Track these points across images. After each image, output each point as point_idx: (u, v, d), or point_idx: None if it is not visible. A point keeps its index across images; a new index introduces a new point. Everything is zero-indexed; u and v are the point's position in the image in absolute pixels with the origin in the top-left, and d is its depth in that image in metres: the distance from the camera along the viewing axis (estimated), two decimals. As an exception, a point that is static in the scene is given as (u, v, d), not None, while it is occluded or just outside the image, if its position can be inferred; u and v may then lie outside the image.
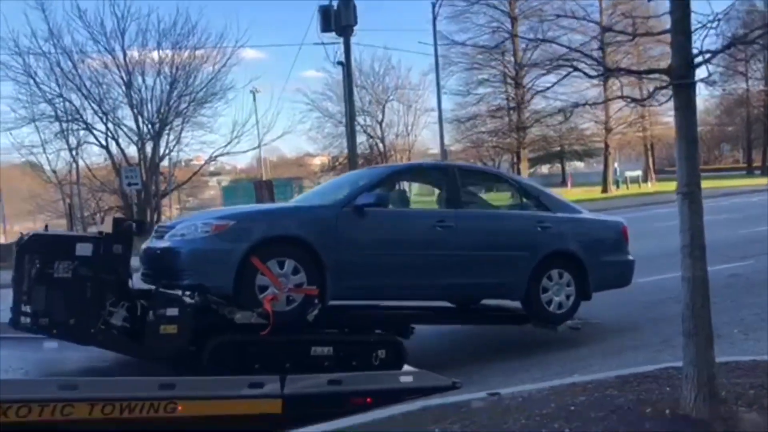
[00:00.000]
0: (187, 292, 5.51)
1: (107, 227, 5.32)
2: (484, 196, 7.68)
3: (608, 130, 39.32)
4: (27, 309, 4.70)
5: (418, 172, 7.95)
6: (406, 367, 5.72)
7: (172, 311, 4.98)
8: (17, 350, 5.12)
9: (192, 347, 5.11)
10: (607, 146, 42.11)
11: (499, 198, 8.11)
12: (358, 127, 32.90)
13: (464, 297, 7.00)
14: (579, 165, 64.53)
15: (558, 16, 27.94)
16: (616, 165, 47.02)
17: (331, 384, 5.15)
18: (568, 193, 42.67)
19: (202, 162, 31.31)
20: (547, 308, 6.61)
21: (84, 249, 4.78)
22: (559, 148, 49.59)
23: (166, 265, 5.41)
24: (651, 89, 4.21)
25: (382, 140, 44.89)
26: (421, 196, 8.59)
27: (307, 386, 5.04)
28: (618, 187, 43.58)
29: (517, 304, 6.81)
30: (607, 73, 4.40)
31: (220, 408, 4.68)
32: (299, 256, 5.43)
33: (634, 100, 5.94)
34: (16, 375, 4.68)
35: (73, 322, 4.76)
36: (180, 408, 4.53)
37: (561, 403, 4.21)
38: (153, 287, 5.24)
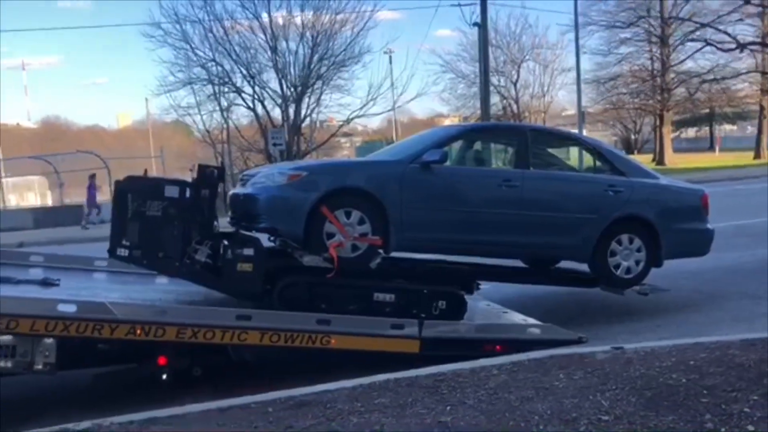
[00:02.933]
0: (270, 236, 6.10)
1: None
2: (557, 158, 7.50)
3: (764, 91, 36.49)
4: (123, 242, 5.37)
5: (490, 132, 7.99)
6: (535, 321, 6.12)
7: (249, 251, 5.50)
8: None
9: (267, 286, 5.62)
10: (762, 109, 39.13)
11: (573, 161, 7.99)
12: (491, 88, 32.75)
13: (528, 256, 7.13)
14: (731, 128, 60.26)
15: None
16: (772, 129, 43.47)
17: (465, 330, 5.67)
18: (715, 159, 40.39)
19: (334, 123, 32.47)
20: (614, 272, 6.64)
21: (172, 191, 5.40)
22: (707, 111, 46.60)
23: (246, 210, 5.92)
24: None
25: (516, 101, 44.35)
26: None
27: (442, 331, 5.59)
28: (773, 152, 40.48)
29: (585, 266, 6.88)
30: (740, 46, 4.41)
31: (366, 344, 5.31)
32: (365, 208, 5.78)
33: (765, 72, 5.78)
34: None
35: (161, 255, 5.40)
36: (333, 342, 5.22)
37: (682, 359, 4.48)
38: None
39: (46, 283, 5.56)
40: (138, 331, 4.79)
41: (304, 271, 5.76)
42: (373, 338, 5.34)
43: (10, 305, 4.59)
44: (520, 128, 7.61)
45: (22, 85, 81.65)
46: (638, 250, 6.72)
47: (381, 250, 5.89)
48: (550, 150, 7.36)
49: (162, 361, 5.03)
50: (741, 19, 28.62)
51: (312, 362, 5.52)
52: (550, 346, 5.45)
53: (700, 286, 7.87)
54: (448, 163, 6.29)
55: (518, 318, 6.33)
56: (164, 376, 5.07)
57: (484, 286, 7.13)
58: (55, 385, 5.25)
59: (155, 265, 5.65)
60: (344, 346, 5.27)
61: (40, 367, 4.68)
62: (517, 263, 7.34)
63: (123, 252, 5.42)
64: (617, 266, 6.68)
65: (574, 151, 8.09)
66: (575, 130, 26.33)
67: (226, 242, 5.65)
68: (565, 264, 7.35)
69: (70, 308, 4.66)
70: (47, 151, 34.34)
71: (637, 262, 6.73)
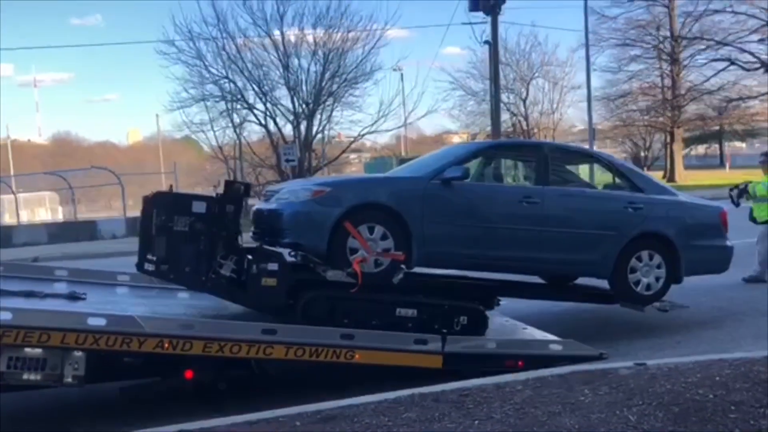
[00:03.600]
0: (291, 251, 6.17)
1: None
2: (576, 175, 7.61)
3: (776, 108, 36.45)
4: (151, 256, 5.44)
5: (509, 149, 8.08)
6: (555, 337, 6.13)
7: (273, 266, 5.58)
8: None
9: (290, 300, 5.66)
10: (773, 126, 39.16)
11: (592, 177, 8.03)
12: (501, 105, 32.83)
13: (549, 272, 7.15)
14: (740, 146, 60.17)
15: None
16: (783, 146, 43.46)
17: (487, 346, 5.70)
18: (726, 176, 40.23)
19: (343, 139, 32.59)
20: (635, 288, 6.68)
21: (199, 206, 5.47)
22: (717, 128, 46.55)
23: (271, 225, 6.01)
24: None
25: (526, 118, 44.42)
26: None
27: (465, 347, 5.62)
28: (784, 170, 40.37)
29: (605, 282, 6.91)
30: (765, 66, 4.47)
31: (390, 359, 5.34)
32: (388, 223, 5.85)
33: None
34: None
35: (188, 270, 5.46)
36: (357, 356, 5.26)
37: (706, 374, 4.50)
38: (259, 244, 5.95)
39: (73, 297, 5.63)
40: (166, 345, 4.85)
41: (327, 286, 5.81)
42: (396, 353, 5.37)
43: (41, 319, 4.67)
44: (539, 145, 7.71)
45: (34, 102, 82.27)
46: (658, 267, 6.75)
47: (403, 266, 5.93)
48: (568, 167, 7.42)
49: (188, 374, 5.09)
50: (762, 39, 28.97)
51: (333, 376, 5.56)
52: (572, 362, 5.46)
53: (719, 303, 7.89)
54: (468, 179, 6.35)
55: (538, 334, 6.35)
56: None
57: (503, 302, 7.15)
58: (83, 398, 5.30)
59: (182, 280, 5.71)
60: (368, 361, 5.31)
61: (69, 380, 4.74)
62: (537, 279, 7.36)
63: (150, 267, 5.49)
64: (637, 283, 6.70)
65: (591, 167, 8.15)
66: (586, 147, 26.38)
67: (250, 257, 5.72)
68: (584, 280, 7.37)
69: (100, 322, 4.73)
70: (58, 167, 34.70)
71: (657, 279, 6.76)
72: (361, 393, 4.72)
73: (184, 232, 5.43)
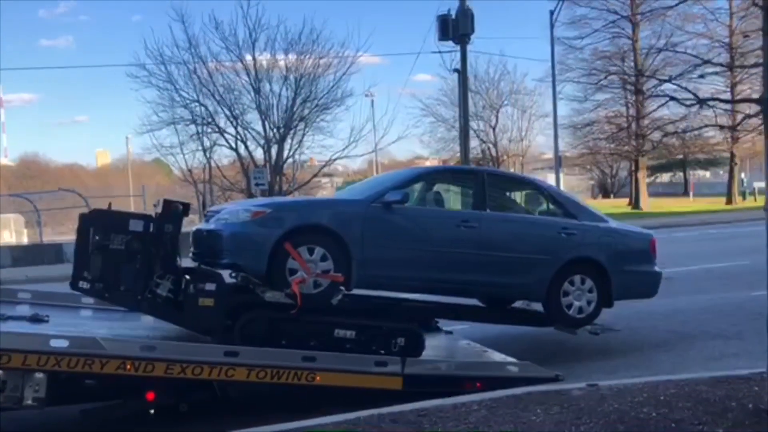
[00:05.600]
0: (231, 272, 6.20)
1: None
2: (513, 201, 7.77)
3: (735, 138, 37.57)
4: (86, 274, 5.36)
5: (448, 174, 8.22)
6: (513, 359, 6.29)
7: (211, 286, 5.56)
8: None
9: (228, 321, 5.65)
10: (733, 156, 40.30)
11: (528, 204, 8.26)
12: (470, 132, 33.30)
13: (485, 295, 7.30)
14: (704, 174, 61.74)
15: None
16: (743, 175, 44.83)
17: (446, 368, 5.83)
18: (689, 203, 41.26)
19: (315, 164, 32.68)
20: (567, 312, 6.85)
21: (136, 225, 5.43)
22: (681, 157, 47.79)
23: (210, 245, 5.99)
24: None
25: (495, 145, 45.14)
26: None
27: (425, 368, 5.74)
28: (744, 198, 41.62)
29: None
30: (700, 102, 4.75)
31: (350, 381, 5.44)
32: (328, 245, 5.88)
33: (722, 126, 6.16)
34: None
35: (123, 289, 5.42)
36: (318, 378, 5.35)
37: (653, 394, 4.70)
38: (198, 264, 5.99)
39: (35, 319, 5.64)
40: (128, 367, 4.89)
41: (265, 307, 5.82)
42: (357, 375, 5.47)
43: (2, 340, 4.68)
44: (476, 171, 7.90)
45: (0, 123, 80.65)
46: (590, 291, 6.94)
47: (342, 287, 6.00)
48: (506, 193, 7.60)
49: (150, 396, 5.12)
50: (716, 73, 30.55)
51: (296, 397, 5.63)
52: (528, 384, 5.60)
53: (673, 327, 8.14)
54: (408, 203, 6.44)
55: (497, 356, 6.50)
56: (152, 411, 5.16)
57: (464, 325, 7.29)
58: (43, 421, 5.30)
59: (116, 299, 5.66)
60: (329, 383, 5.40)
61: (29, 402, 4.75)
62: (475, 302, 7.49)
63: (85, 285, 5.43)
64: (570, 306, 6.87)
65: (526, 194, 8.33)
66: (552, 174, 26.94)
67: (188, 277, 5.70)
68: (521, 303, 7.52)
69: (62, 343, 4.76)
70: (24, 189, 34.12)
71: (589, 303, 6.93)
72: (321, 414, 4.82)
73: (120, 251, 5.39)
